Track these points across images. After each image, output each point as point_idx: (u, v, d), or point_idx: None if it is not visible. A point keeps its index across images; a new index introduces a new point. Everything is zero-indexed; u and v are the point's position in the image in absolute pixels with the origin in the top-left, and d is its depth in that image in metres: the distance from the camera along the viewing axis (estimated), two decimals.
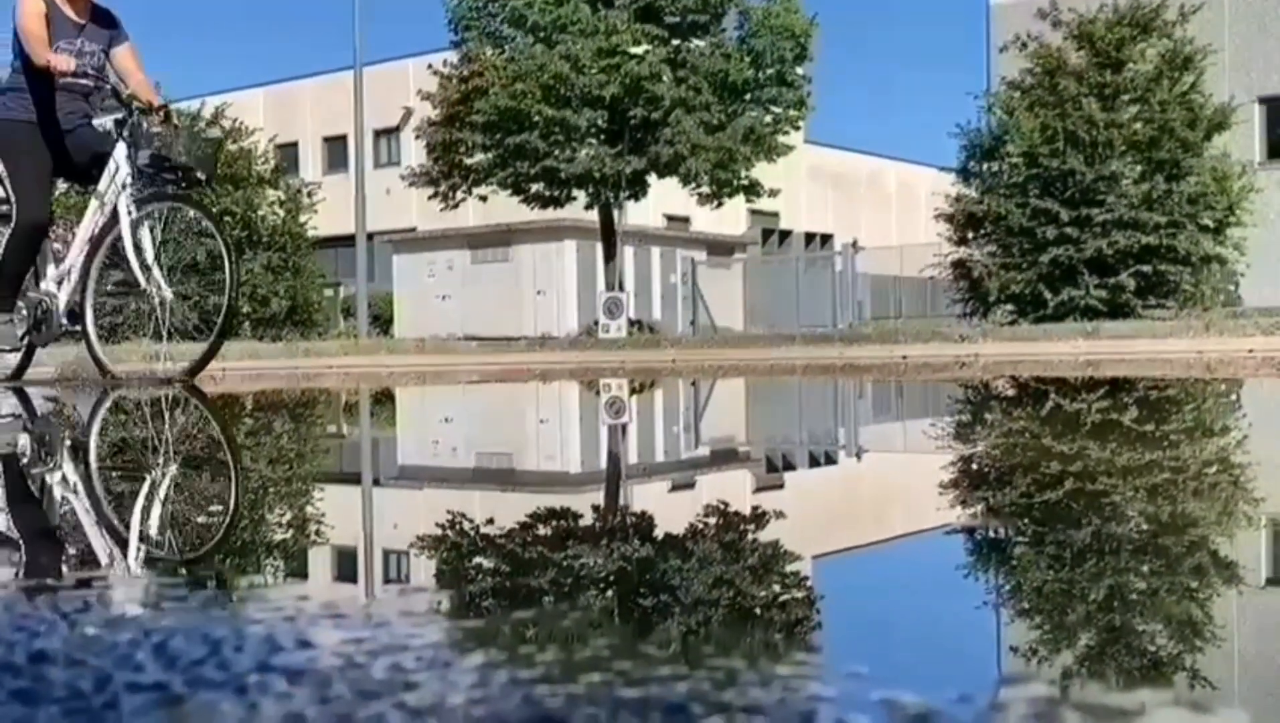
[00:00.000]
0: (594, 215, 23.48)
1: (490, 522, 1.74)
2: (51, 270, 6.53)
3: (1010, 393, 4.04)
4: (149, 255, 6.13)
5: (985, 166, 17.21)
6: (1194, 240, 15.63)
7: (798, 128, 23.66)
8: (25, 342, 6.64)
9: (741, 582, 1.28)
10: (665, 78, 21.20)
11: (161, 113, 6.37)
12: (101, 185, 6.29)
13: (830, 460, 2.65)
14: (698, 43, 22.28)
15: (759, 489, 2.16)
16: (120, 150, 6.24)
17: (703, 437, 3.34)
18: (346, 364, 10.06)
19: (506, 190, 22.89)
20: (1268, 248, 17.37)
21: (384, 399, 5.62)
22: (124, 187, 6.20)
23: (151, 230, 6.20)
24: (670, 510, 1.91)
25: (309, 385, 6.93)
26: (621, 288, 23.27)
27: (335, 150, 38.11)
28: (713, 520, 1.71)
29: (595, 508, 1.92)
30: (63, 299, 6.41)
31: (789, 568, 1.36)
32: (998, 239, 16.51)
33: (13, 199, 6.22)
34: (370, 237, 26.21)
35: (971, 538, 1.53)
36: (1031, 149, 16.12)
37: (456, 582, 1.33)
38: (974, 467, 2.30)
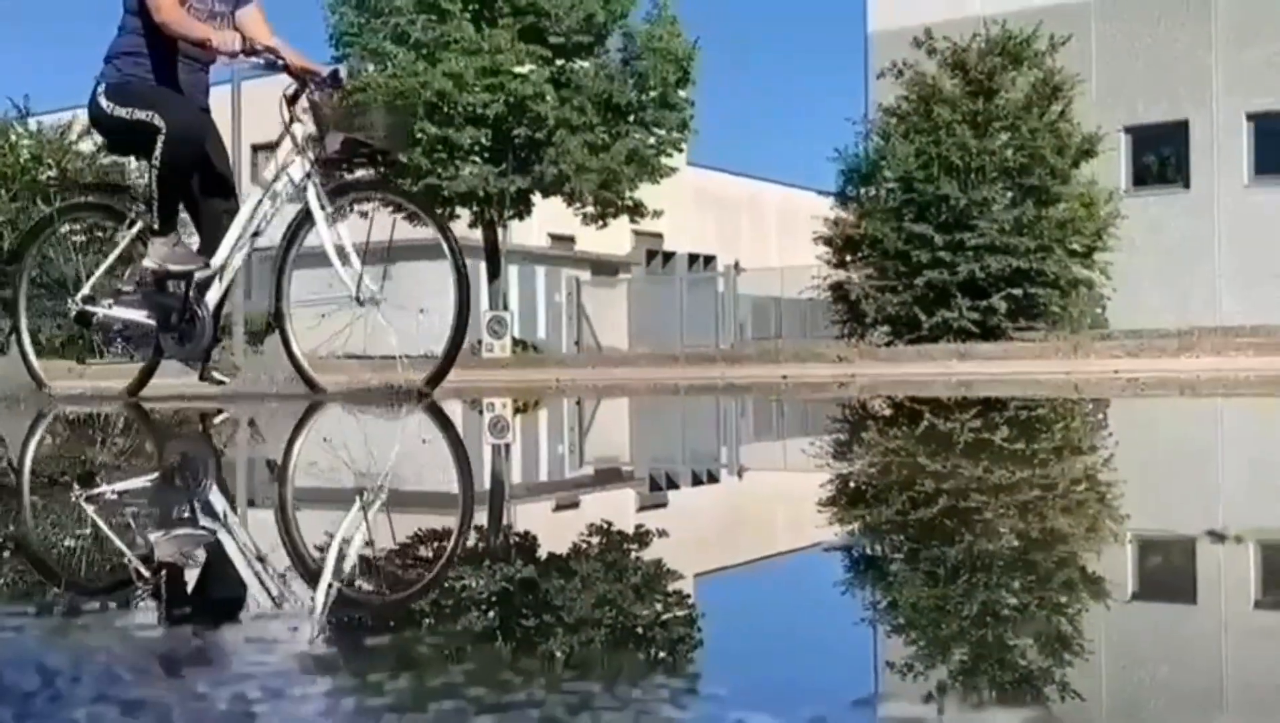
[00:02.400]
0: (478, 234, 23.36)
1: (362, 542, 1.72)
2: (160, 258, 5.50)
3: (887, 412, 4.12)
4: (352, 255, 5.42)
5: (863, 191, 17.54)
6: (1063, 264, 16.11)
7: (680, 150, 23.88)
8: (152, 355, 5.66)
9: (611, 602, 1.28)
10: (549, 98, 21.23)
11: (333, 82, 5.58)
12: (268, 172, 5.52)
13: (711, 479, 2.67)
14: (582, 64, 22.37)
15: (641, 508, 2.16)
16: (298, 132, 5.43)
17: (586, 456, 3.34)
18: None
19: (389, 207, 22.65)
20: (1133, 272, 17.97)
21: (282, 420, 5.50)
22: (308, 176, 5.39)
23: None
24: (548, 530, 1.90)
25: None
26: (506, 307, 23.18)
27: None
28: (589, 540, 1.71)
29: (476, 528, 1.91)
30: (211, 303, 5.53)
31: (661, 587, 1.37)
32: (874, 262, 16.83)
33: (152, 116, 5.20)
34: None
35: (845, 556, 1.55)
36: (907, 174, 16.48)
37: (326, 605, 1.30)
38: (850, 485, 2.34)
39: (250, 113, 26.80)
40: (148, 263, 5.41)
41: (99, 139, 5.60)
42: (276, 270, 5.63)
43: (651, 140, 22.70)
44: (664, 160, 22.92)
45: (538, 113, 21.08)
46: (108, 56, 5.46)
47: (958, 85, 17.00)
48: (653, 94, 22.19)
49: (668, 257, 34.77)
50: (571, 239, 31.36)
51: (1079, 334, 14.96)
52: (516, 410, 5.02)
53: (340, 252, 5.40)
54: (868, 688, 0.96)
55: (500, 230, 23.24)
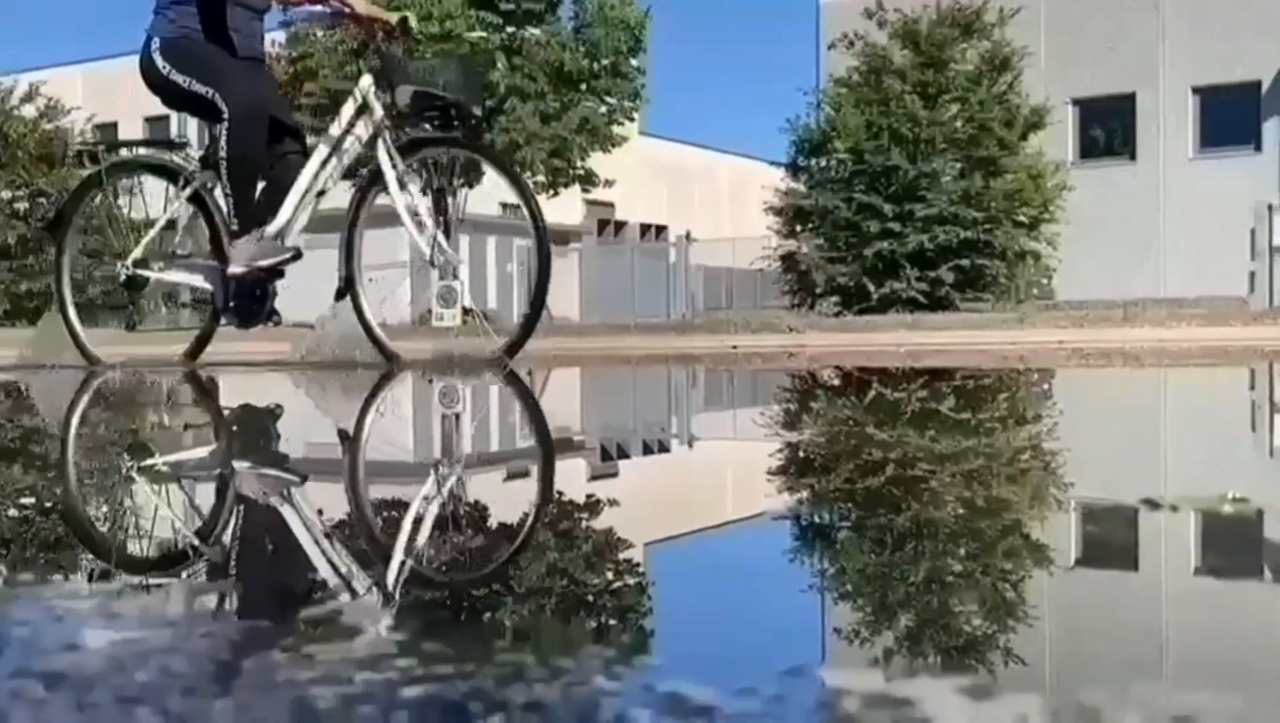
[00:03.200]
0: (428, 201, 23.20)
1: (308, 512, 1.71)
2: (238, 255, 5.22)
3: (836, 382, 4.15)
4: (425, 216, 5.15)
5: (814, 162, 17.59)
6: (1010, 236, 16.25)
7: (632, 119, 23.82)
8: (211, 319, 5.44)
9: (555, 571, 1.28)
10: (500, 65, 21.09)
11: (403, 30, 5.30)
12: (334, 129, 5.21)
13: (661, 449, 2.68)
14: (534, 31, 22.22)
15: (592, 477, 2.17)
16: (366, 84, 5.13)
17: (538, 427, 3.34)
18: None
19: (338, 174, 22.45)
20: (1078, 244, 18.16)
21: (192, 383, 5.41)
22: (378, 132, 5.10)
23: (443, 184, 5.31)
24: (498, 500, 1.91)
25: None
26: (456, 276, 23.03)
27: (158, 131, 36.80)
28: (538, 509, 1.71)
29: (425, 498, 1.91)
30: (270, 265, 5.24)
31: (606, 556, 1.38)
32: (825, 233, 16.90)
33: (213, 94, 4.96)
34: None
35: (790, 524, 1.57)
36: (857, 145, 16.53)
37: (273, 576, 1.30)
38: (798, 454, 2.36)
39: None
40: (234, 269, 5.13)
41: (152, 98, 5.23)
42: (346, 233, 5.38)
43: (603, 109, 22.64)
44: (616, 130, 22.85)
45: (488, 80, 20.94)
46: (157, 5, 5.17)
47: (908, 57, 17.06)
48: (604, 62, 22.11)
49: (619, 227, 34.75)
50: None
51: (1025, 305, 15.12)
52: (467, 380, 5.01)
53: (413, 213, 5.14)
54: (806, 657, 0.97)
55: (450, 198, 23.08)
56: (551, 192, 23.25)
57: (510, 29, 21.99)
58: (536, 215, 5.09)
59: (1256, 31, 20.74)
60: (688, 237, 27.16)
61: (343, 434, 3.07)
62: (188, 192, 5.26)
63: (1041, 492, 1.79)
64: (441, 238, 5.20)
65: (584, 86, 22.28)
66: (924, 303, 15.66)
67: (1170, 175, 21.31)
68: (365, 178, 5.28)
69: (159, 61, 5.10)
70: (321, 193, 5.23)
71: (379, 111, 5.10)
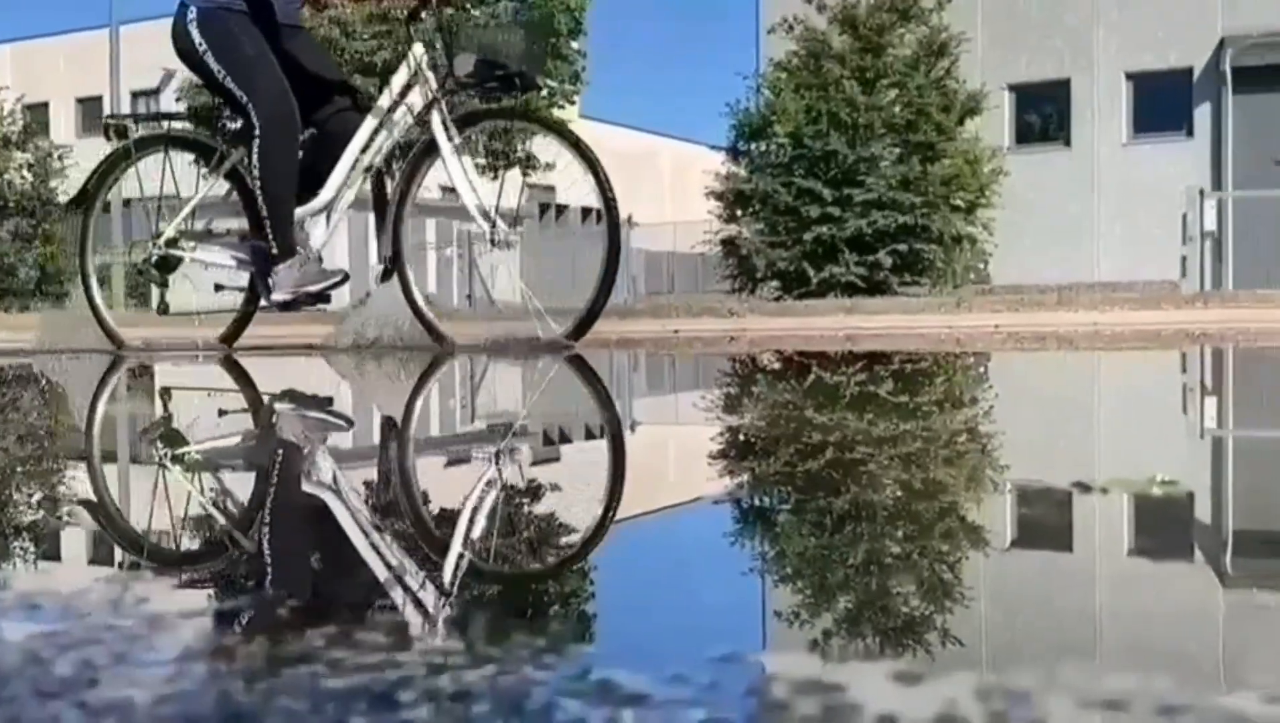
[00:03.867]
0: (366, 184, 23.02)
1: (232, 499, 1.70)
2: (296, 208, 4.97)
3: (776, 366, 4.17)
4: (481, 193, 4.94)
5: (754, 146, 17.63)
6: (947, 221, 16.40)
7: (573, 102, 23.78)
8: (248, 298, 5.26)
9: (490, 557, 1.28)
10: (438, 46, 20.95)
11: None
12: (383, 100, 4.98)
13: (601, 434, 2.68)
14: (473, 12, 22.08)
15: (533, 463, 2.17)
16: (419, 52, 4.93)
17: (476, 412, 3.33)
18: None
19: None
20: (1014, 229, 18.36)
21: (141, 374, 5.32)
22: (432, 103, 4.86)
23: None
24: (435, 485, 1.90)
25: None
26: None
27: (90, 112, 36.21)
28: (477, 494, 1.71)
29: (366, 484, 1.90)
30: (316, 242, 5.06)
31: (542, 542, 1.38)
32: (765, 217, 16.95)
33: (246, 100, 4.80)
34: (126, 203, 25.03)
35: (729, 508, 1.58)
36: (797, 130, 16.59)
37: (189, 563, 1.29)
38: (740, 438, 2.37)
39: (129, 59, 25.98)
40: (277, 297, 4.92)
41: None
42: (394, 210, 5.16)
43: (543, 92, 22.56)
44: (556, 112, 22.77)
45: None
46: None
47: (847, 41, 17.13)
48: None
49: (560, 210, 34.62)
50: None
51: (962, 289, 15.27)
52: (407, 365, 4.98)
53: (470, 188, 4.93)
54: (740, 643, 0.98)
55: (389, 181, 22.93)
56: (492, 175, 23.15)
57: (449, 11, 21.84)
58: (608, 193, 4.86)
59: (1188, 19, 21.04)
60: (629, 220, 27.14)
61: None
62: (225, 167, 5.08)
63: (975, 475, 1.81)
64: (492, 212, 4.94)
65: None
66: (862, 287, 15.77)
67: (1104, 161, 21.58)
68: (417, 151, 5.07)
69: (195, 36, 4.85)
70: (369, 168, 5.04)
71: (433, 81, 4.90)
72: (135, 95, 35.87)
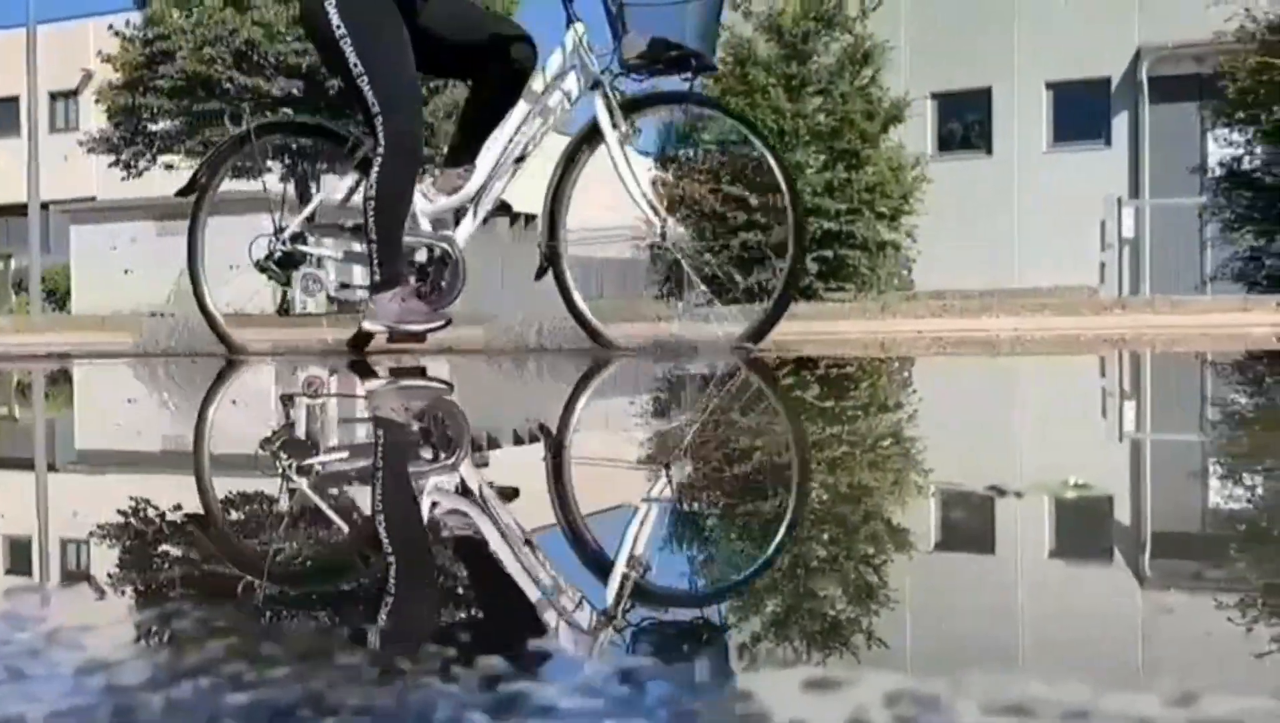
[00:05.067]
0: (290, 187, 22.77)
1: (152, 510, 1.68)
2: (423, 202, 4.60)
3: (704, 371, 4.20)
4: (644, 183, 4.56)
5: (682, 152, 17.69)
6: (871, 227, 16.58)
7: None
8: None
9: (403, 569, 1.28)
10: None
11: None
12: (536, 83, 4.56)
13: (530, 439, 2.68)
14: None
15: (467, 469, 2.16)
16: (580, 31, 4.52)
17: (406, 417, 3.31)
18: (19, 342, 9.40)
19: (195, 159, 21.93)
20: (937, 235, 18.60)
21: (60, 379, 5.22)
22: (596, 86, 4.50)
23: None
24: (360, 495, 1.89)
25: None
26: (320, 265, 22.67)
27: (6, 113, 35.50)
28: (408, 504, 1.71)
29: (254, 496, 1.88)
30: (462, 240, 4.62)
31: (458, 553, 1.38)
32: (692, 223, 17.01)
33: (378, 112, 4.35)
34: (45, 206, 24.57)
35: (653, 513, 1.59)
36: (723, 136, 16.67)
37: (122, 573, 1.28)
38: (666, 444, 2.38)
39: (47, 60, 25.50)
40: (368, 325, 4.56)
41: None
42: (550, 200, 4.78)
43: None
44: None
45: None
46: None
47: (773, 48, 17.25)
48: None
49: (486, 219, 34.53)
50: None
51: (886, 295, 15.44)
52: (331, 371, 4.94)
53: (636, 180, 4.56)
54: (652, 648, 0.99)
55: (313, 184, 22.70)
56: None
57: None
58: (790, 183, 4.59)
59: (1106, 30, 21.46)
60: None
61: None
62: (357, 157, 4.66)
63: (898, 478, 1.84)
64: (657, 204, 4.55)
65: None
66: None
67: (1025, 168, 21.94)
68: (576, 138, 4.71)
69: (333, 18, 4.38)
70: (521, 159, 4.63)
71: (593, 64, 4.52)
72: (53, 96, 35.24)
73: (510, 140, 4.59)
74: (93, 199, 31.15)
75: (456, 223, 4.62)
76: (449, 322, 4.55)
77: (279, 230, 4.86)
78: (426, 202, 4.60)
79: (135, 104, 21.44)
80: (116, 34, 21.90)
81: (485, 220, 4.69)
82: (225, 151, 5.24)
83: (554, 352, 4.82)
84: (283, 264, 4.86)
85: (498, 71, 4.60)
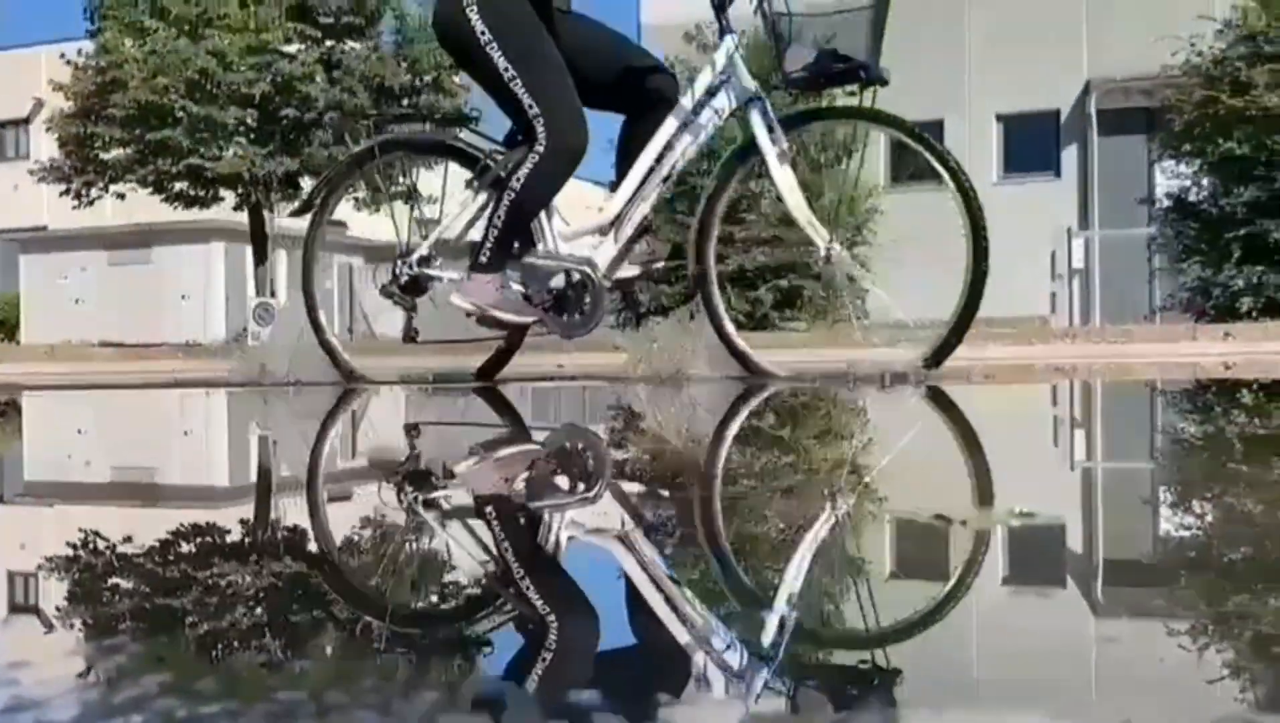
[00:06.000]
0: (244, 217, 22.64)
1: (106, 541, 1.66)
2: (561, 225, 4.37)
3: (659, 399, 4.20)
4: (801, 202, 4.26)
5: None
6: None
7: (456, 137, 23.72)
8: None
9: (333, 598, 1.27)
10: (318, 79, 20.73)
11: None
12: (685, 99, 4.34)
13: (478, 466, 2.67)
14: (353, 45, 21.92)
15: (417, 497, 2.15)
16: (730, 45, 4.31)
17: (357, 448, 3.29)
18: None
19: (147, 189, 21.78)
20: (890, 265, 18.72)
21: (6, 409, 5.13)
22: (753, 101, 4.26)
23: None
24: (310, 522, 1.88)
25: None
26: (273, 294, 22.56)
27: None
28: (353, 531, 1.70)
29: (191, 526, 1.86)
30: (603, 264, 4.35)
31: (410, 586, 1.37)
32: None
33: (536, 110, 4.14)
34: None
35: (597, 543, 1.58)
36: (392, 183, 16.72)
37: (75, 604, 1.26)
38: (615, 472, 2.38)
39: None
40: (456, 300, 4.29)
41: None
42: (700, 222, 4.54)
43: (427, 126, 22.48)
44: None
45: (307, 94, 20.57)
46: None
47: None
48: (427, 79, 21.96)
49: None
50: (343, 224, 30.71)
51: (841, 324, 15.54)
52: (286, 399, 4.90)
53: (801, 200, 4.27)
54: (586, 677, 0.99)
55: (267, 214, 22.59)
56: (373, 208, 22.94)
57: (329, 42, 21.66)
58: (974, 204, 4.38)
59: (1055, 63, 21.77)
60: None
61: None
62: (489, 176, 4.41)
63: (848, 507, 1.84)
64: (819, 225, 4.26)
65: (406, 102, 22.07)
66: (744, 323, 15.97)
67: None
68: (729, 157, 4.50)
69: (475, 22, 4.20)
70: (668, 178, 4.37)
71: (748, 80, 4.28)
72: (4, 125, 34.91)
73: (656, 160, 4.36)
74: (43, 228, 30.83)
75: (597, 246, 4.38)
76: (539, 321, 4.34)
77: (404, 254, 4.63)
78: (564, 224, 4.38)
79: (87, 133, 21.25)
80: (68, 62, 21.72)
81: (629, 244, 4.40)
82: (344, 170, 4.98)
83: (706, 381, 4.52)
84: (408, 289, 4.61)
85: (636, 101, 4.46)
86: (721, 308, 4.49)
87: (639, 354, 4.84)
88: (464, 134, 4.73)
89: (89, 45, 22.04)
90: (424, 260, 4.57)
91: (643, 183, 4.37)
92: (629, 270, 4.44)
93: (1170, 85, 16.70)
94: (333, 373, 4.85)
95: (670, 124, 4.35)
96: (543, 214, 4.35)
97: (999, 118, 22.53)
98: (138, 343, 19.42)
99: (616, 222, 4.36)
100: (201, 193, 21.67)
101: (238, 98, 20.28)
